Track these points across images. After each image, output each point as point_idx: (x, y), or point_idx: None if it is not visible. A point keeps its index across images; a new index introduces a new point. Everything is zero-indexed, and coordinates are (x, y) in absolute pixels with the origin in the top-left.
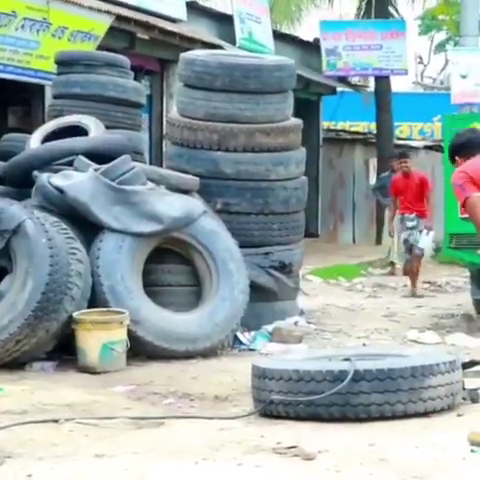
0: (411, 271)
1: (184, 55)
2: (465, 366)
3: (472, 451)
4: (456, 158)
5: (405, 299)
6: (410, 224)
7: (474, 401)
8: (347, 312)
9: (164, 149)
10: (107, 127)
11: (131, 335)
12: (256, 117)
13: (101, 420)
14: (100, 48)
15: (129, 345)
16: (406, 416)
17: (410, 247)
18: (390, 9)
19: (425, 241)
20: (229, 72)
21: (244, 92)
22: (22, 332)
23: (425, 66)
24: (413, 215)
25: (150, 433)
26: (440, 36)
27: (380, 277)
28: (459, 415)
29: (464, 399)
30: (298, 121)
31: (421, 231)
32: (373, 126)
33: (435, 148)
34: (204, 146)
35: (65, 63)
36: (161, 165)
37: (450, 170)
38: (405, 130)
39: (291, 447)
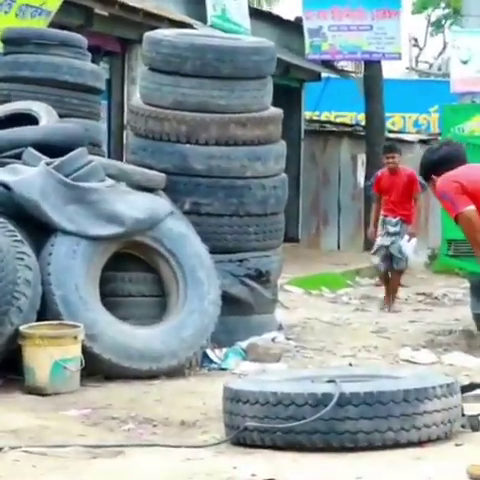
0: (388, 285)
1: (149, 34)
2: (464, 389)
3: None
4: (432, 176)
5: (395, 313)
6: (392, 229)
7: (474, 429)
8: (331, 327)
9: (125, 141)
10: (61, 115)
11: (86, 352)
12: (230, 106)
13: (51, 448)
14: (53, 25)
15: (84, 363)
16: (398, 445)
17: (389, 257)
18: None
19: (405, 250)
20: (200, 55)
21: (217, 78)
22: None
23: (420, 49)
24: (396, 219)
25: (107, 463)
26: (437, 13)
27: (369, 287)
28: (457, 445)
29: (463, 427)
30: (278, 111)
31: (402, 238)
32: (361, 117)
33: (431, 142)
34: (171, 138)
35: (13, 41)
36: (121, 159)
37: None
38: (398, 122)
39: None
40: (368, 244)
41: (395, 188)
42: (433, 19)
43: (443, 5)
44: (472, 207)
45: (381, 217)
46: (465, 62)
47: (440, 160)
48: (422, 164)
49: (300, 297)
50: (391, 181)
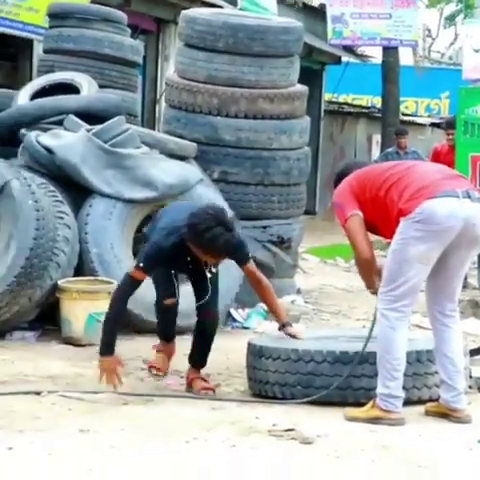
0: None
1: (186, 12)
2: (472, 353)
3: (479, 441)
4: None
5: None
6: None
7: None
8: (345, 293)
9: (157, 114)
10: (100, 86)
11: None
12: (259, 81)
13: (86, 394)
14: (94, 3)
15: None
16: (410, 402)
17: None
18: None
19: None
20: (233, 33)
21: (248, 55)
22: (3, 299)
23: (433, 40)
24: None
25: (138, 410)
26: (450, 8)
27: (380, 258)
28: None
29: (470, 388)
30: (304, 88)
31: None
32: (376, 100)
33: (442, 126)
34: (203, 110)
35: (58, 16)
36: (153, 130)
37: (463, 147)
38: (410, 106)
39: (288, 430)
40: None
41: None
42: (446, 13)
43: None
44: (356, 213)
45: None
46: (477, 51)
47: (343, 171)
48: (334, 182)
49: (316, 265)
50: (450, 158)
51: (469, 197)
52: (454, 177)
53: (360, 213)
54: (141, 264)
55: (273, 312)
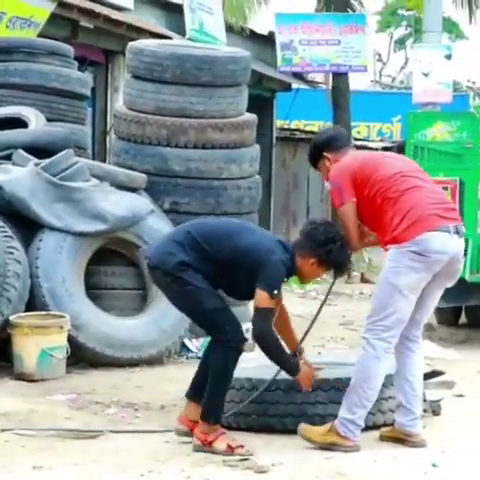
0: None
1: (132, 44)
2: (426, 377)
3: (434, 465)
4: (324, 154)
5: (362, 307)
6: None
7: (435, 413)
8: (301, 320)
9: (107, 145)
10: (49, 120)
11: (72, 341)
12: (208, 111)
13: (39, 430)
14: (41, 36)
15: (69, 351)
16: (365, 428)
17: None
18: (352, 1)
19: None
20: (180, 63)
21: (196, 85)
22: None
23: (384, 64)
24: None
25: (92, 444)
26: (399, 32)
27: (336, 284)
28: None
29: (425, 411)
30: (252, 116)
31: None
32: (328, 126)
33: (394, 149)
34: (152, 141)
35: (4, 50)
36: (104, 162)
37: None
38: (362, 130)
39: (243, 459)
40: None
41: None
42: (396, 37)
43: (404, 23)
44: (354, 200)
45: None
46: (426, 74)
47: (328, 139)
48: (313, 146)
49: None
50: None
51: (458, 233)
52: (449, 210)
53: (355, 201)
54: (276, 291)
55: (291, 340)
